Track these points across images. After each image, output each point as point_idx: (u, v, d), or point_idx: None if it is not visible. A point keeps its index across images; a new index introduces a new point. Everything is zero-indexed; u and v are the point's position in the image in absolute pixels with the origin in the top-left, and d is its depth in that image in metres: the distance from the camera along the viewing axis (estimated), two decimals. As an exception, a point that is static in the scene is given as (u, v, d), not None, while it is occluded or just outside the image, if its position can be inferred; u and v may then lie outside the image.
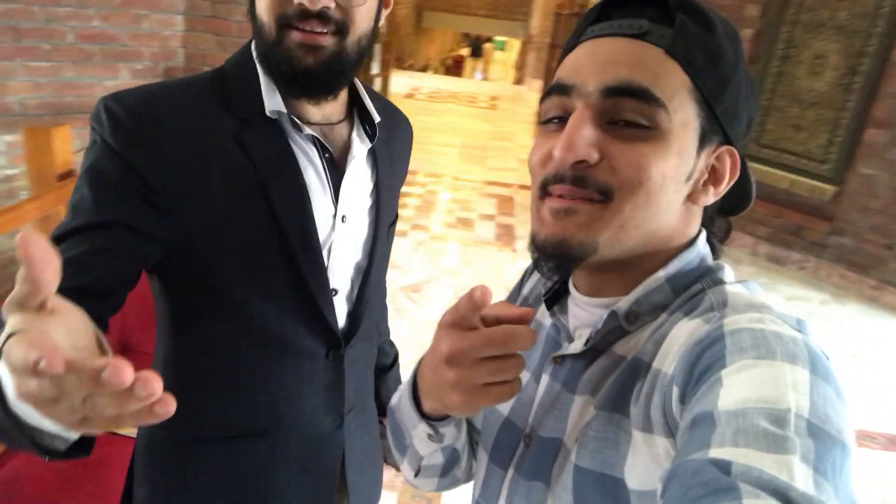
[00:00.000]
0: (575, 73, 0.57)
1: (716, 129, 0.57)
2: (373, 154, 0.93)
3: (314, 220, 0.85)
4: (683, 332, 0.54)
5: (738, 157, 0.59)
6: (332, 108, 0.88)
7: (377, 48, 7.47)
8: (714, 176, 0.59)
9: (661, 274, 0.59)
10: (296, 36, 0.76)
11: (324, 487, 0.97)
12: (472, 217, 5.09)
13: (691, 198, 0.59)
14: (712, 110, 0.56)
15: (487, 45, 21.16)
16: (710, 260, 0.62)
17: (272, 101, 0.82)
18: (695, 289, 0.58)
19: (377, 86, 7.80)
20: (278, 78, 0.81)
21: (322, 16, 0.75)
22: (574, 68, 0.58)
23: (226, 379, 0.89)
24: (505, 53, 24.50)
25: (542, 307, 0.70)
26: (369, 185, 0.93)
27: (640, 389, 0.55)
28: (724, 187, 0.59)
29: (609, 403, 0.57)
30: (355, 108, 0.92)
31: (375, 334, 1.09)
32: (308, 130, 0.84)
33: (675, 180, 0.56)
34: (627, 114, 0.54)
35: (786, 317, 0.51)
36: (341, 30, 0.78)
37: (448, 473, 0.77)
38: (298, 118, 0.84)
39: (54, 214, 2.01)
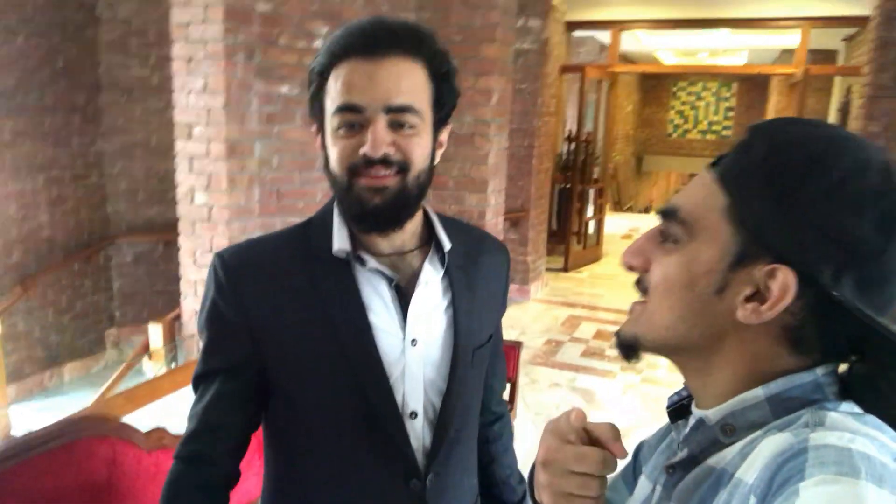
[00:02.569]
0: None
1: (762, 249, 0.56)
2: (449, 280, 0.99)
3: (377, 347, 0.92)
4: (770, 445, 0.53)
5: (791, 278, 0.54)
6: (402, 240, 0.96)
7: (591, 193, 7.69)
8: (763, 295, 0.56)
9: (760, 390, 0.58)
10: (364, 181, 0.87)
11: None
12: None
13: (737, 314, 0.57)
14: (755, 232, 0.56)
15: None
16: (828, 392, 0.57)
17: (340, 242, 0.93)
18: (798, 413, 0.56)
19: (591, 227, 7.93)
20: (350, 218, 0.93)
21: (384, 161, 0.86)
22: None
23: (310, 499, 0.98)
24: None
25: None
26: (442, 310, 0.98)
27: (720, 499, 0.54)
28: (769, 307, 0.55)
29: None
30: (434, 239, 0.99)
31: (472, 465, 1.08)
32: (372, 264, 0.93)
33: (692, 289, 0.59)
34: (666, 231, 0.62)
35: (886, 447, 0.48)
36: (402, 169, 0.88)
37: None
38: (369, 250, 0.94)
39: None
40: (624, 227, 10.80)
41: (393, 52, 0.86)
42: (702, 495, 0.58)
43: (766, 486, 0.48)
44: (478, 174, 3.86)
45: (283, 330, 0.93)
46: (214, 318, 0.95)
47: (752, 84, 13.28)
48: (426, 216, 1.00)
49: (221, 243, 3.77)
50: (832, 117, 8.96)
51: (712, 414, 0.60)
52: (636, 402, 4.05)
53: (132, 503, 1.67)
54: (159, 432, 1.72)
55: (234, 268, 0.94)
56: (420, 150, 0.89)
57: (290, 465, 0.99)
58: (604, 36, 8.15)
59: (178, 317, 4.05)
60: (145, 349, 4.21)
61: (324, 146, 0.92)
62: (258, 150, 3.78)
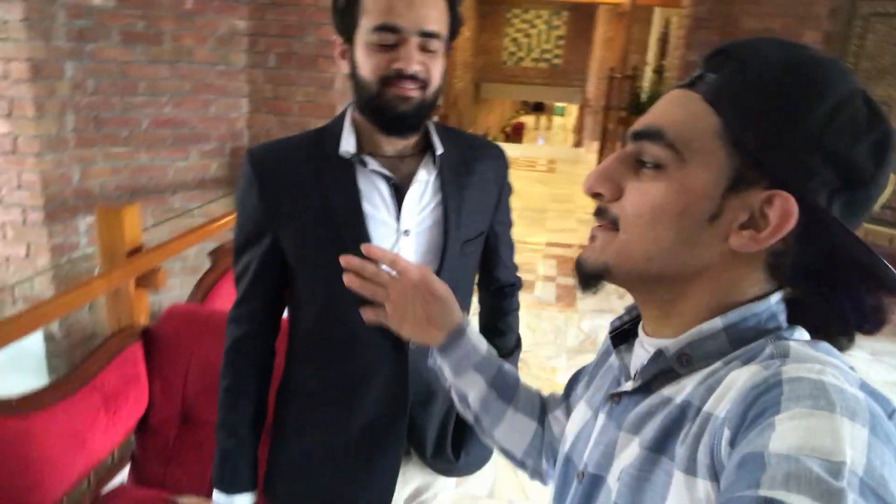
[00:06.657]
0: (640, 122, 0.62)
1: (759, 173, 0.54)
2: (441, 180, 1.14)
3: (369, 236, 1.09)
4: (739, 378, 0.52)
5: (793, 205, 0.53)
6: (405, 144, 1.11)
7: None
8: (757, 222, 0.55)
9: (718, 321, 0.57)
10: (394, 90, 1.02)
11: (391, 460, 1.20)
12: (532, 279, 5.06)
13: (731, 241, 0.56)
14: (754, 155, 0.54)
15: (547, 111, 21.48)
16: (782, 320, 0.58)
17: (346, 144, 1.09)
18: (757, 343, 0.56)
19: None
20: (377, 121, 1.07)
21: (413, 77, 1.01)
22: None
23: (320, 355, 1.19)
24: (564, 118, 24.77)
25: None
26: (433, 206, 1.14)
27: (687, 432, 0.54)
28: (769, 234, 0.54)
29: (653, 444, 0.57)
30: (430, 146, 1.15)
31: None
32: (373, 165, 1.09)
33: (684, 217, 0.57)
34: (645, 155, 0.59)
35: (850, 375, 0.49)
36: (424, 84, 1.04)
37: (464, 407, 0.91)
38: (374, 152, 1.10)
39: (123, 290, 2.04)
40: (465, 154, 10.98)
41: None
42: (662, 427, 0.57)
43: (740, 419, 0.48)
44: (324, 99, 3.65)
45: (293, 217, 1.10)
46: (245, 204, 1.13)
47: (581, 14, 13.84)
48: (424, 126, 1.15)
49: (32, 179, 3.32)
50: (653, 46, 9.59)
51: (672, 345, 0.59)
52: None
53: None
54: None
55: (258, 161, 1.12)
56: (439, 69, 1.06)
57: (303, 319, 1.19)
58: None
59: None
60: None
61: (350, 56, 1.06)
62: (69, 71, 3.33)
